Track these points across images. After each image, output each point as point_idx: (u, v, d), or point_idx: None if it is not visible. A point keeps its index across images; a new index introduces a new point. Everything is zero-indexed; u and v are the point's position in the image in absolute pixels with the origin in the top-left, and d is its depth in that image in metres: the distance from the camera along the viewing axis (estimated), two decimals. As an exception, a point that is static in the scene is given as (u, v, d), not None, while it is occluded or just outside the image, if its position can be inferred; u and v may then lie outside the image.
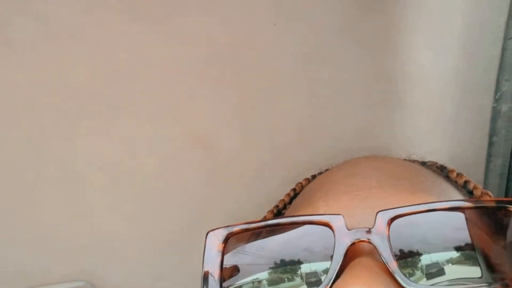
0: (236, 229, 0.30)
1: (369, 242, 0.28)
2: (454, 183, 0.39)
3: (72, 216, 0.51)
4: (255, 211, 0.46)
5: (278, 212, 0.42)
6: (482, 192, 0.37)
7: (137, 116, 0.47)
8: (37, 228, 0.51)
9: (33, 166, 0.48)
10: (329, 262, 0.28)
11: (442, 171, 0.41)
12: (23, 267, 0.53)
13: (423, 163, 0.43)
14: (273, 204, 0.44)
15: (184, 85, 0.47)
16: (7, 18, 0.40)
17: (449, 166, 0.42)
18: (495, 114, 0.52)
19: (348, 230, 0.28)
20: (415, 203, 0.29)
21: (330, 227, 0.28)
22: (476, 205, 0.29)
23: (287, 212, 0.40)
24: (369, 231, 0.28)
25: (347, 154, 0.45)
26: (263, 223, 0.30)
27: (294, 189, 0.43)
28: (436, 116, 0.51)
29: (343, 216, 0.29)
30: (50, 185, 0.49)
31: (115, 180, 0.50)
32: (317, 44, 0.46)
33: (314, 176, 0.44)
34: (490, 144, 0.52)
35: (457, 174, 0.40)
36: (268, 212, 0.43)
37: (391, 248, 0.27)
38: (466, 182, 0.39)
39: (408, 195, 0.31)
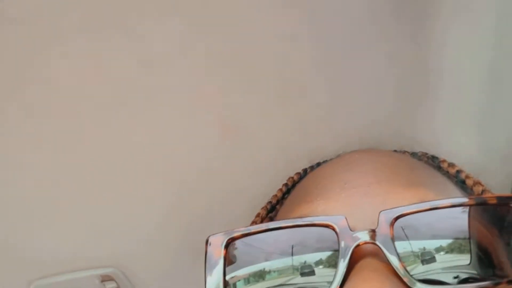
0: (236, 234, 0.29)
1: (374, 244, 0.27)
2: (446, 173, 0.39)
3: (104, 203, 0.51)
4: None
5: (272, 208, 0.42)
6: (474, 182, 0.37)
7: (172, 105, 0.47)
8: (68, 214, 0.51)
9: (68, 152, 0.47)
10: (334, 265, 0.28)
11: (433, 161, 0.41)
12: (53, 253, 0.53)
13: (414, 154, 0.43)
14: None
15: (217, 76, 0.46)
16: (50, 7, 0.40)
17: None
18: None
19: (352, 231, 0.28)
20: (417, 202, 0.28)
21: (333, 229, 0.28)
22: (478, 202, 0.28)
23: (282, 209, 0.40)
24: (373, 232, 0.27)
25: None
26: (263, 227, 0.29)
27: (286, 184, 0.43)
28: (468, 111, 0.50)
29: (345, 217, 0.28)
30: (83, 172, 0.49)
31: (148, 168, 0.50)
32: (347, 36, 0.45)
33: (305, 171, 0.44)
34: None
35: (449, 164, 0.39)
36: (261, 208, 0.43)
37: (395, 249, 0.27)
38: (458, 171, 0.38)
39: (406, 190, 0.31)
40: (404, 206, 0.28)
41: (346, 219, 0.28)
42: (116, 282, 0.54)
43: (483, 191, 0.36)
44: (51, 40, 0.42)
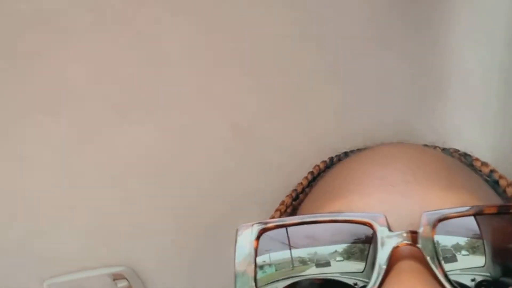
0: (270, 225, 0.28)
1: (415, 246, 0.26)
2: (479, 172, 0.38)
3: (115, 203, 0.51)
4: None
5: (297, 196, 0.41)
6: (508, 183, 0.36)
7: (181, 107, 0.47)
8: (78, 213, 0.51)
9: (81, 154, 0.48)
10: (371, 264, 0.27)
11: (466, 159, 0.40)
12: (66, 252, 0.53)
13: (445, 150, 0.42)
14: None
15: (228, 77, 0.46)
16: (63, 7, 0.40)
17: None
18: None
19: (391, 231, 0.27)
20: (460, 205, 0.28)
21: (371, 227, 0.27)
22: None
23: (308, 199, 0.39)
24: (414, 234, 0.26)
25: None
26: (298, 220, 0.29)
27: (312, 172, 0.42)
28: (478, 111, 0.49)
29: (385, 216, 0.27)
30: (95, 172, 0.49)
31: (159, 168, 0.50)
32: (360, 39, 0.45)
33: (331, 159, 0.43)
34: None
35: (482, 163, 0.38)
36: (286, 196, 0.42)
37: (437, 252, 0.26)
38: (491, 171, 0.37)
39: (447, 192, 0.30)
40: (448, 208, 0.27)
41: (386, 218, 0.27)
42: (128, 280, 0.54)
43: None
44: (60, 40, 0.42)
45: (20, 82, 0.43)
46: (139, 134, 0.48)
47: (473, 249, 0.27)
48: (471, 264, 0.26)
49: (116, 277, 0.54)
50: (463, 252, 0.27)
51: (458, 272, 0.26)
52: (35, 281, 0.53)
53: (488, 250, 0.27)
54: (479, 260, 0.26)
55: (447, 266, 0.26)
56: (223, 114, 0.47)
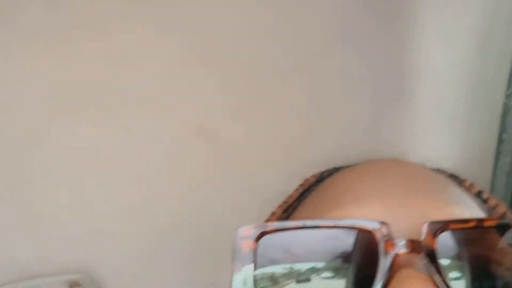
0: (269, 228, 0.28)
1: (416, 254, 0.27)
2: (468, 193, 0.39)
3: (71, 207, 0.49)
4: (256, 205, 0.45)
5: (287, 208, 0.41)
6: (497, 203, 0.37)
7: (140, 107, 0.46)
8: (35, 218, 0.49)
9: (33, 155, 0.46)
10: (372, 272, 0.27)
11: (454, 179, 0.41)
12: (20, 257, 0.51)
13: (438, 170, 0.43)
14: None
15: (188, 77, 0.46)
16: (17, 4, 0.39)
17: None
18: (506, 111, 0.51)
19: (393, 240, 0.27)
20: (460, 217, 0.29)
21: (373, 234, 0.27)
22: None
23: (301, 210, 0.38)
24: (415, 243, 0.27)
25: (352, 151, 0.45)
26: (300, 224, 0.28)
27: (302, 185, 0.42)
28: (445, 113, 0.51)
29: (387, 224, 0.27)
30: (49, 175, 0.47)
31: (116, 171, 0.49)
32: (325, 38, 0.45)
33: (322, 174, 0.43)
34: (500, 141, 0.52)
35: (470, 184, 0.39)
36: (277, 207, 0.42)
37: (438, 262, 0.26)
38: (479, 192, 0.38)
39: (443, 207, 0.31)
40: (450, 219, 0.28)
41: (388, 226, 0.27)
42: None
43: (505, 213, 0.37)
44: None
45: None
46: (97, 136, 0.47)
47: (471, 260, 0.28)
48: (469, 274, 0.27)
49: (72, 285, 0.53)
50: (463, 262, 0.28)
51: (458, 280, 0.27)
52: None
53: (485, 262, 0.28)
54: (477, 271, 0.27)
55: (447, 275, 0.26)
56: (187, 116, 0.47)
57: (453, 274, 0.27)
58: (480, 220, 0.28)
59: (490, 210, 0.37)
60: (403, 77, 0.47)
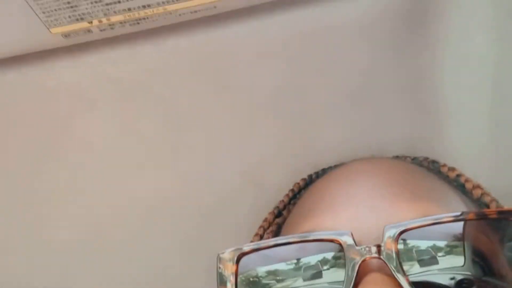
0: (246, 249, 0.30)
1: (379, 258, 0.28)
2: (446, 177, 0.40)
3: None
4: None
5: (279, 212, 0.44)
6: (473, 185, 0.38)
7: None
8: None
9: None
10: (342, 279, 0.29)
11: (434, 166, 0.42)
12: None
13: (415, 159, 0.44)
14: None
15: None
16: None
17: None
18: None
19: (357, 246, 0.29)
20: (421, 216, 0.30)
21: (339, 244, 0.29)
22: (478, 217, 0.30)
23: (289, 217, 0.41)
24: (378, 247, 0.28)
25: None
26: (272, 243, 0.30)
27: (292, 190, 0.45)
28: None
29: (351, 233, 0.29)
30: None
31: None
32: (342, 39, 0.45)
33: (310, 177, 0.45)
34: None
35: (449, 169, 0.41)
36: (269, 213, 0.44)
37: (400, 263, 0.28)
38: (458, 175, 0.40)
39: (410, 205, 0.32)
40: (407, 221, 0.29)
41: (352, 235, 0.29)
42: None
43: (482, 195, 0.38)
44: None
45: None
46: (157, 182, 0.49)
47: (435, 256, 0.29)
48: (434, 271, 0.29)
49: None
50: (426, 259, 0.29)
51: (422, 278, 0.28)
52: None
53: (449, 255, 0.29)
54: (443, 264, 0.29)
55: (411, 277, 0.28)
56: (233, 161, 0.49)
57: (419, 272, 0.28)
58: (438, 217, 0.29)
59: (467, 193, 0.39)
60: (425, 81, 0.47)
